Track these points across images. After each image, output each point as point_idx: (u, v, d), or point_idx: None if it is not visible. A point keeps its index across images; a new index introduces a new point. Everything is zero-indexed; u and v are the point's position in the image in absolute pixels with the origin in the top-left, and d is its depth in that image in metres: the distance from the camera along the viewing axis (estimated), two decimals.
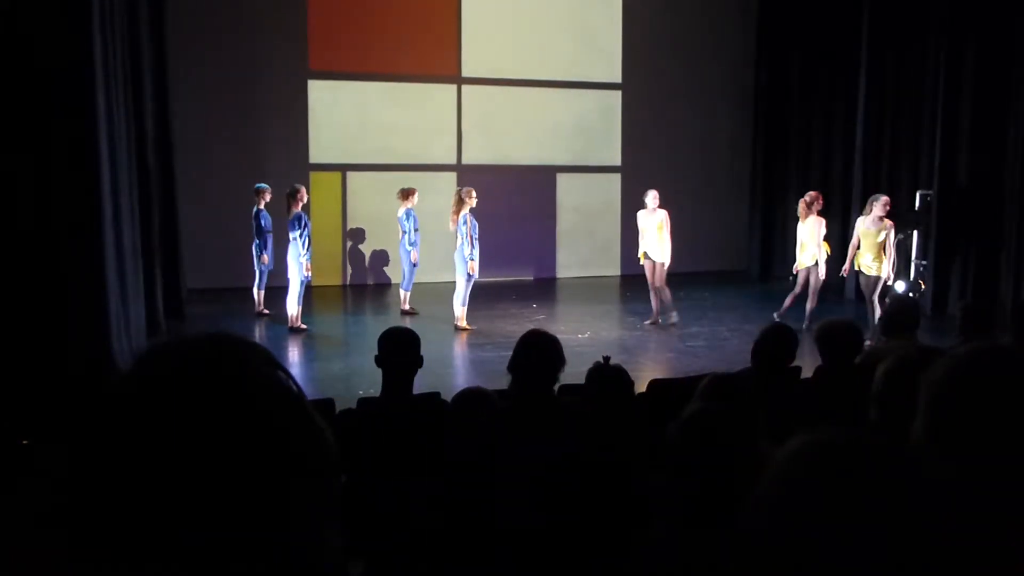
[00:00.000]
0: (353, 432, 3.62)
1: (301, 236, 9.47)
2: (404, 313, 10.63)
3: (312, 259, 9.74)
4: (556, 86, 13.78)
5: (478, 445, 2.82)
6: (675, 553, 1.84)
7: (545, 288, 12.94)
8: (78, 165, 6.79)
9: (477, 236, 9.75)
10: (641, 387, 4.70)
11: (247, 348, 0.86)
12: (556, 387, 3.85)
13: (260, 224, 10.23)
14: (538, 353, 3.71)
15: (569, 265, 14.05)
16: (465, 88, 13.43)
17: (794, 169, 14.08)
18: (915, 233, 11.48)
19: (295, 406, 0.84)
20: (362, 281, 13.24)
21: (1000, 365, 1.23)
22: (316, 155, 12.87)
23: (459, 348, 9.23)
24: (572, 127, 13.86)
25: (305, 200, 9.84)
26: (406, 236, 10.58)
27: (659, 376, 6.01)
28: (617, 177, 14.29)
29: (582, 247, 14.15)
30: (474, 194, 9.80)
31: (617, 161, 14.27)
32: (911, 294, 10.78)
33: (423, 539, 2.57)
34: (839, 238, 13.08)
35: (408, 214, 10.58)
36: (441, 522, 2.59)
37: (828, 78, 13.26)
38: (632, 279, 13.82)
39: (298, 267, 9.46)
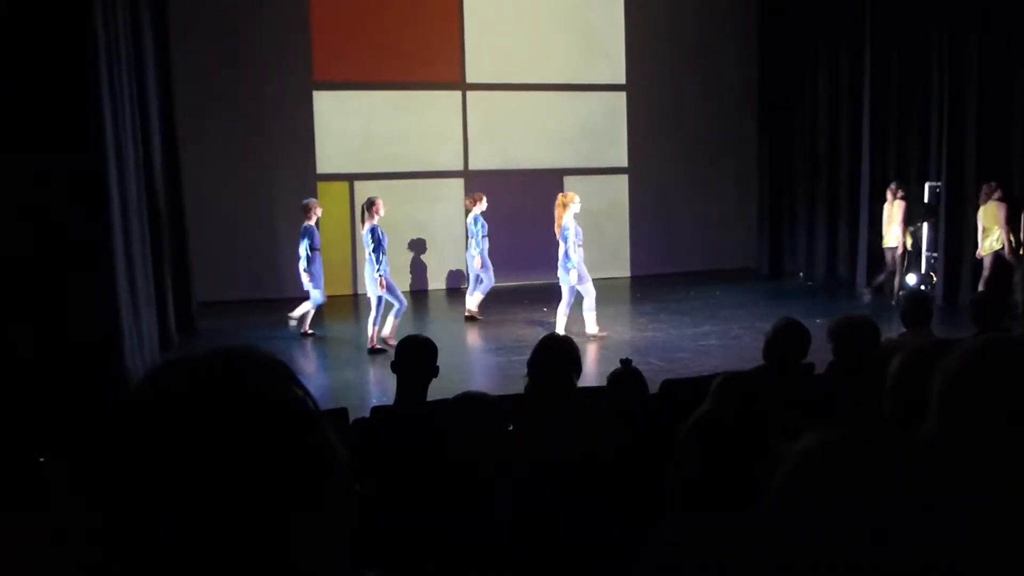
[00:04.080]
0: (367, 441, 3.63)
1: (376, 251, 8.88)
2: (468, 318, 10.61)
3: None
4: (560, 89, 13.78)
5: (478, 447, 2.82)
6: (688, 553, 1.84)
7: (555, 291, 12.91)
8: (86, 180, 6.83)
9: (581, 243, 9.28)
10: (654, 387, 4.69)
11: (260, 363, 0.86)
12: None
13: (313, 241, 9.65)
14: (553, 355, 3.76)
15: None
16: (470, 94, 13.45)
17: (801, 165, 14.04)
18: (925, 225, 11.44)
19: (307, 421, 0.84)
20: None
21: (1013, 356, 1.23)
22: (323, 165, 12.91)
23: (469, 353, 9.23)
24: (577, 130, 13.85)
25: (382, 213, 9.09)
26: (472, 242, 10.54)
27: (671, 376, 5.99)
28: (624, 178, 14.28)
29: (590, 249, 14.10)
30: (577, 198, 9.33)
31: (624, 162, 14.26)
32: (923, 287, 10.73)
33: (438, 547, 2.57)
34: (849, 234, 13.05)
35: (476, 220, 10.53)
36: (455, 528, 2.59)
37: (832, 73, 13.22)
38: (641, 280, 13.82)
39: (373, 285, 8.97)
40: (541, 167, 13.67)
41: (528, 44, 13.51)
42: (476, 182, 13.22)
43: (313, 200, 10.05)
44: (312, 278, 9.64)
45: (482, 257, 10.51)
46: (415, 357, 3.82)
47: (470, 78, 13.43)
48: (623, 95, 14.14)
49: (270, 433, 0.81)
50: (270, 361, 0.87)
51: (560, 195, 9.50)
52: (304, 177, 12.70)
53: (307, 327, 9.83)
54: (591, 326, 9.24)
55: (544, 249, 13.65)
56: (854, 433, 0.90)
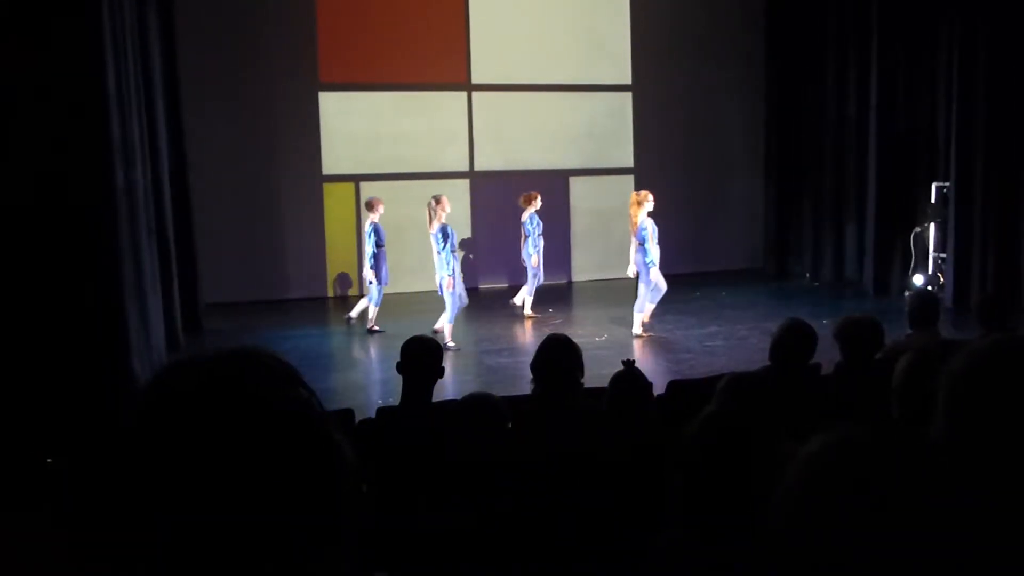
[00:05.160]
0: (372, 442, 3.64)
1: (445, 248, 9.06)
2: (527, 318, 10.64)
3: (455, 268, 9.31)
4: (566, 90, 13.76)
5: (483, 448, 2.83)
6: (693, 555, 1.83)
7: (561, 292, 12.92)
8: (93, 181, 6.85)
9: (657, 238, 9.43)
10: (660, 388, 4.68)
11: (266, 364, 0.86)
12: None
13: (379, 238, 9.78)
14: (555, 356, 3.77)
15: (584, 268, 14.03)
16: (475, 95, 13.45)
17: (807, 166, 14.01)
18: (932, 226, 11.40)
19: (313, 422, 0.84)
20: None
21: (1019, 357, 1.22)
22: (329, 166, 12.92)
23: (476, 355, 9.22)
24: (583, 130, 13.84)
25: (448, 210, 9.34)
26: (529, 240, 10.59)
27: (677, 376, 5.99)
28: (630, 179, 14.24)
29: (597, 250, 14.11)
30: (651, 196, 9.48)
31: (630, 163, 14.24)
32: (929, 288, 10.70)
33: (442, 547, 2.57)
34: (856, 235, 13.01)
35: (532, 218, 10.58)
36: (458, 527, 2.59)
37: (839, 74, 13.19)
38: None
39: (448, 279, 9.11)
40: (547, 168, 13.66)
41: (533, 45, 13.51)
42: (481, 183, 13.23)
43: (376, 197, 10.14)
44: (377, 274, 9.73)
45: (539, 256, 10.55)
46: (419, 357, 3.83)
47: (475, 79, 13.43)
48: (629, 95, 14.12)
49: (275, 434, 0.81)
50: (276, 362, 0.87)
51: (633, 193, 9.70)
52: (310, 178, 12.72)
53: (373, 324, 9.85)
54: (637, 326, 9.48)
55: (549, 250, 13.68)
56: (861, 434, 0.90)
